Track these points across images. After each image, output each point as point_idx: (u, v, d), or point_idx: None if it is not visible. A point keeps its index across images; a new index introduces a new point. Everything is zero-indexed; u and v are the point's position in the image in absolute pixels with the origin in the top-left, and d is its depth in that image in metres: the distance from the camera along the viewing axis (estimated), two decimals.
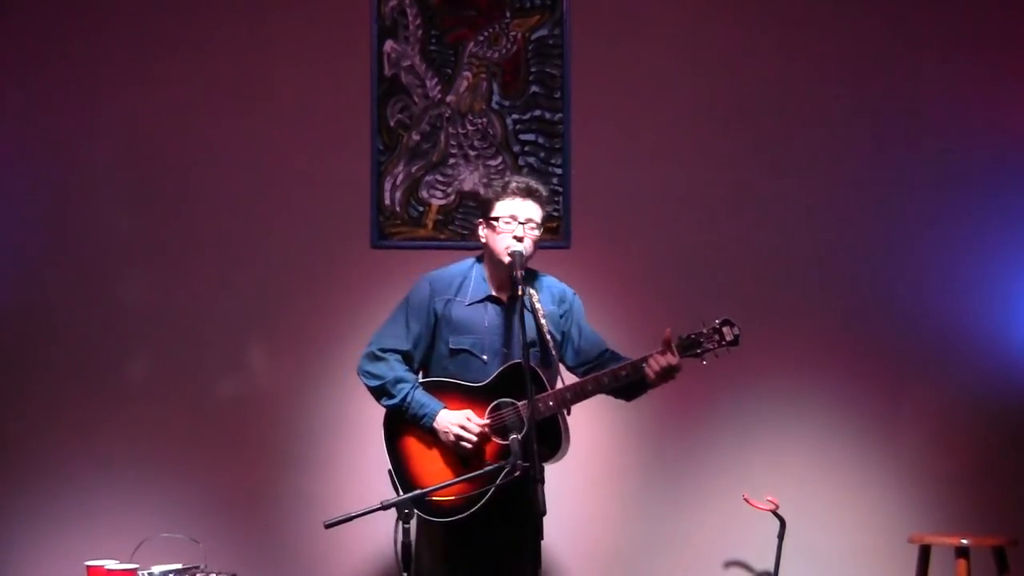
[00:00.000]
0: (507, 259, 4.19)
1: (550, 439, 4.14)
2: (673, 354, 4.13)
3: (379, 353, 4.28)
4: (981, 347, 5.35)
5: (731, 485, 5.20)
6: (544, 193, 4.32)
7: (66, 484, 5.22)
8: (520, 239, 4.19)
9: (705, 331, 4.17)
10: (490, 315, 4.29)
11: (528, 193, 4.26)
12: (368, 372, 4.28)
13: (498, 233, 4.23)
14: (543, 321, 4.20)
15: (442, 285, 4.34)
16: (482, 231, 4.32)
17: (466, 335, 4.27)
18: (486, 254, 4.34)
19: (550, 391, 4.15)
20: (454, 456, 4.17)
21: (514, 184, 4.27)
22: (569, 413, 4.19)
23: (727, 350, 4.19)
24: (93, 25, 5.38)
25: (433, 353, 4.32)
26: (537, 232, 4.25)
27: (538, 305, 4.22)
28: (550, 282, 4.40)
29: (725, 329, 4.17)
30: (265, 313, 5.33)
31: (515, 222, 4.21)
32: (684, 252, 5.36)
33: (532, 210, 4.24)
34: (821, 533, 5.23)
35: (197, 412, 5.28)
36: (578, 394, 4.17)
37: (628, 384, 4.20)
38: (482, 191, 4.38)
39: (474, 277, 4.33)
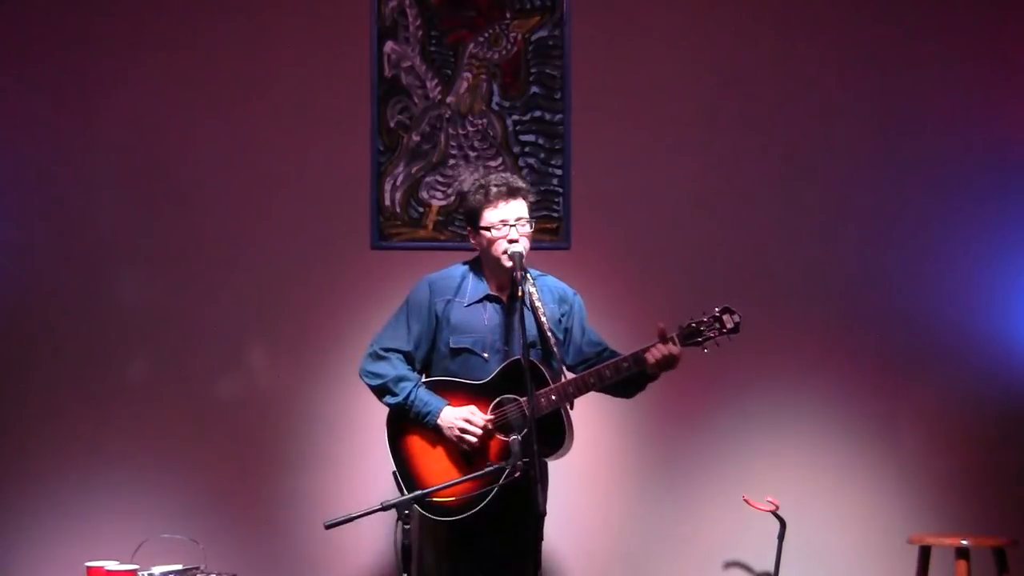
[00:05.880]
0: (508, 263, 4.19)
1: (554, 434, 4.14)
2: (674, 343, 4.12)
3: (381, 352, 4.30)
4: (981, 347, 5.35)
5: (731, 486, 5.21)
6: (525, 186, 4.31)
7: (66, 484, 5.22)
8: (516, 240, 4.18)
9: (705, 319, 4.14)
10: (489, 313, 4.29)
11: (512, 193, 4.24)
12: (370, 372, 4.29)
13: (494, 240, 4.22)
14: (544, 319, 4.18)
15: (441, 286, 4.34)
16: (474, 240, 4.31)
17: (466, 334, 4.27)
18: (483, 260, 4.33)
19: (551, 386, 4.13)
20: (458, 454, 4.17)
21: (495, 189, 4.23)
22: (572, 407, 4.16)
23: (728, 338, 4.15)
24: (93, 26, 5.38)
25: (434, 354, 4.32)
26: (529, 226, 4.23)
27: (538, 303, 4.20)
28: (552, 282, 4.40)
29: (725, 317, 4.13)
30: (265, 314, 5.33)
31: (506, 226, 4.21)
32: (684, 252, 5.35)
33: (520, 208, 4.23)
34: (821, 534, 5.23)
35: (197, 412, 5.27)
36: (580, 388, 4.14)
37: (628, 378, 4.17)
38: (468, 197, 4.31)
39: (471, 279, 4.34)
